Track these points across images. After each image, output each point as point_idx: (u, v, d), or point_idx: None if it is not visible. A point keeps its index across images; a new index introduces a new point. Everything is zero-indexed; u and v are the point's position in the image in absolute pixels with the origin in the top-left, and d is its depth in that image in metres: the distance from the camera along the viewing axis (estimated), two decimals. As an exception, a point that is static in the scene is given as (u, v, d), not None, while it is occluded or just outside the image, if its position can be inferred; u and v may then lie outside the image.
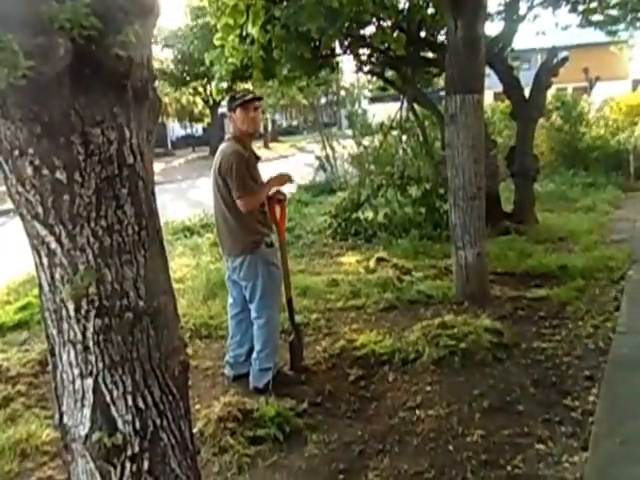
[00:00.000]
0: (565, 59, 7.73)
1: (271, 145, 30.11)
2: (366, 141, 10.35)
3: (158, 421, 1.89)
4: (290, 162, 19.22)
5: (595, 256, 6.30)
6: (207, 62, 6.77)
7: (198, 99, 29.80)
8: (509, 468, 2.98)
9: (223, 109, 29.77)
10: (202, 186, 14.33)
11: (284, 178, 4.07)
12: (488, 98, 11.17)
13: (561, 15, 8.96)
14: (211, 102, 28.48)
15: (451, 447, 3.21)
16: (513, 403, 3.59)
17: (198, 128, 35.29)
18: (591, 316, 4.79)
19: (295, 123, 32.91)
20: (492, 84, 8.19)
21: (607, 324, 4.60)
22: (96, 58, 1.67)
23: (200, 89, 28.35)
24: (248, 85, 8.16)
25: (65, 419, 1.88)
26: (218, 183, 3.82)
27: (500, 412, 3.51)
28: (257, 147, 28.34)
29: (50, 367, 1.90)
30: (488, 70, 7.57)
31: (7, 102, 1.62)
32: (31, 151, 1.66)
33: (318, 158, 12.98)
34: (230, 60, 6.27)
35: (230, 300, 4.16)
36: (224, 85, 7.19)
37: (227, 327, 4.50)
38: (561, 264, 6.01)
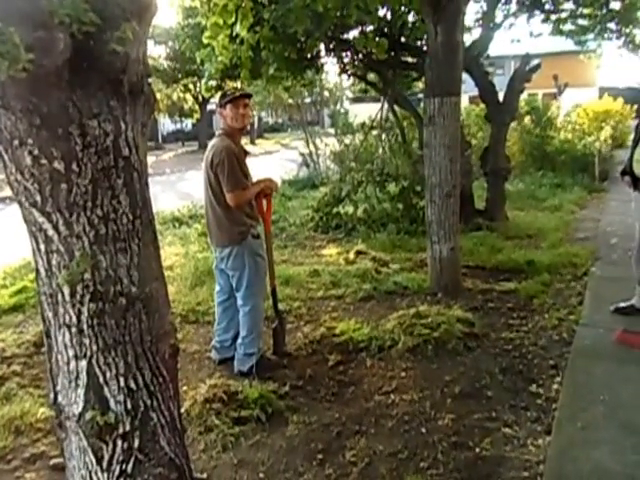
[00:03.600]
0: (538, 66, 7.78)
1: (257, 141, 30.00)
2: (347, 139, 10.37)
3: (149, 401, 1.89)
4: (275, 158, 19.18)
5: (561, 253, 6.38)
6: (198, 60, 6.71)
7: (188, 96, 29.57)
8: (477, 450, 3.02)
9: (212, 106, 29.58)
10: (191, 179, 14.24)
11: (272, 184, 4.06)
12: (463, 102, 11.23)
13: (534, 24, 9.03)
14: (200, 99, 28.29)
15: (424, 430, 3.23)
16: (482, 389, 3.64)
17: (188, 123, 35.02)
18: (556, 309, 4.85)
19: (280, 121, 32.75)
20: (467, 88, 8.21)
21: (571, 317, 4.66)
22: (94, 53, 1.66)
23: (190, 86, 28.14)
24: (237, 84, 8.11)
25: (59, 398, 1.88)
26: (209, 177, 3.80)
27: (470, 398, 3.55)
28: (244, 143, 28.16)
29: (45, 349, 1.90)
30: (464, 75, 7.62)
31: (7, 94, 1.61)
32: (30, 141, 1.65)
33: (302, 155, 12.97)
34: (220, 59, 6.23)
35: (217, 288, 4.15)
36: (213, 83, 7.14)
37: (214, 313, 4.49)
38: (529, 259, 6.07)
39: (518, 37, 9.32)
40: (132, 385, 1.85)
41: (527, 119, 12.53)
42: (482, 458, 2.96)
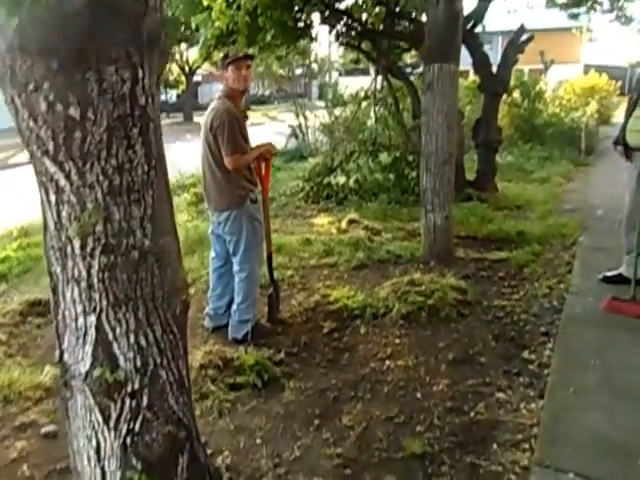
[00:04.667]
0: (531, 38, 7.69)
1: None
2: (337, 111, 10.22)
3: (158, 359, 1.85)
4: (263, 130, 18.97)
5: (550, 223, 6.41)
6: (193, 26, 6.52)
7: (174, 66, 28.93)
8: (472, 414, 3.03)
9: (198, 77, 29.04)
10: (177, 150, 14.06)
11: (272, 149, 3.99)
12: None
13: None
14: (187, 69, 27.66)
15: (419, 395, 3.24)
16: (476, 355, 3.65)
17: (172, 95, 34.32)
18: (546, 278, 4.87)
19: (267, 93, 32.27)
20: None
21: (561, 285, 4.69)
22: None
23: (177, 56, 27.48)
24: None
25: (66, 356, 1.83)
26: (208, 140, 3.71)
27: (464, 364, 3.56)
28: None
29: (52, 305, 1.84)
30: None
31: (26, 35, 1.52)
32: (46, 86, 1.57)
33: (291, 126, 12.81)
34: (216, 24, 6.05)
35: (212, 254, 4.09)
36: (206, 48, 6.94)
37: (206, 281, 4.43)
38: (519, 230, 6.09)
39: (514, 8, 9.19)
40: (142, 342, 1.81)
41: (516, 93, 12.45)
42: (477, 422, 2.97)
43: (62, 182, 1.65)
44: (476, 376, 3.39)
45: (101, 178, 1.66)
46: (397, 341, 3.85)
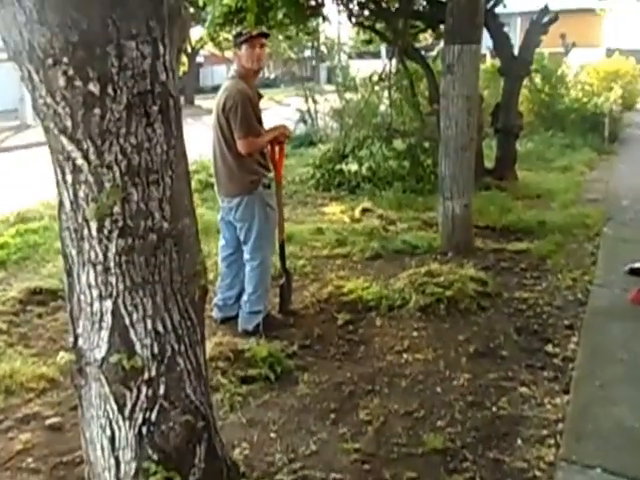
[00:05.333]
0: (555, 18, 7.62)
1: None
2: (348, 95, 10.14)
3: (176, 346, 1.85)
4: (269, 115, 18.96)
5: (572, 213, 6.40)
6: (200, 3, 6.49)
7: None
8: (494, 409, 3.05)
9: (200, 58, 28.90)
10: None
11: (286, 131, 4.00)
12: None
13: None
14: (189, 50, 27.53)
15: (439, 389, 3.25)
16: (497, 349, 3.66)
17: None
18: (569, 269, 4.87)
19: (272, 76, 32.12)
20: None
21: (585, 277, 4.69)
22: None
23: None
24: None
25: (80, 342, 1.83)
26: (220, 122, 3.69)
27: (485, 357, 3.57)
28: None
29: (66, 289, 1.84)
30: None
31: (46, 6, 1.53)
32: (65, 60, 1.57)
33: (299, 111, 12.75)
34: (225, 1, 6.03)
35: (222, 242, 4.08)
36: (213, 26, 6.91)
37: (214, 271, 4.43)
38: (540, 220, 6.08)
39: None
40: (160, 328, 1.81)
41: (536, 77, 12.35)
42: (500, 417, 2.99)
43: (79, 161, 1.65)
44: (498, 370, 3.40)
45: (120, 157, 1.65)
46: (415, 334, 3.86)
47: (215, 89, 28.53)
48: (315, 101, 12.54)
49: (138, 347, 1.79)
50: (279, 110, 14.38)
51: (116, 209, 1.68)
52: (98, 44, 1.59)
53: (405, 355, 3.60)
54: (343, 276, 4.79)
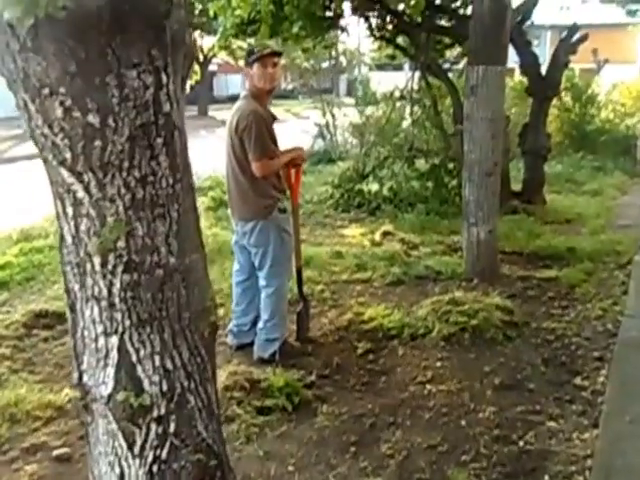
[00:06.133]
0: (584, 37, 7.69)
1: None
2: (369, 110, 10.18)
3: (186, 383, 1.86)
4: (286, 128, 19.14)
5: (602, 240, 6.33)
6: (211, 13, 6.58)
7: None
8: (521, 444, 3.04)
9: (213, 67, 29.14)
10: (191, 148, 14.16)
11: (303, 154, 4.06)
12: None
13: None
14: (201, 58, 27.82)
15: (463, 422, 3.24)
16: (524, 381, 3.64)
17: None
18: (599, 299, 4.83)
19: (290, 87, 32.37)
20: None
21: (615, 307, 4.64)
22: None
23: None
24: (252, 41, 7.99)
25: (85, 378, 1.83)
26: (233, 143, 3.72)
27: (511, 389, 3.56)
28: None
29: (69, 324, 1.84)
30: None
31: (40, 34, 1.52)
32: (63, 90, 1.57)
33: (317, 125, 12.82)
34: (237, 12, 6.11)
35: (236, 266, 4.10)
36: (225, 38, 7.01)
37: (226, 295, 4.48)
38: (569, 246, 6.03)
39: (564, 4, 9.20)
40: (168, 365, 1.81)
41: (566, 96, 12.39)
42: (526, 452, 2.98)
43: (80, 194, 1.65)
44: (525, 403, 3.40)
45: (123, 191, 1.65)
46: (438, 364, 3.85)
47: (231, 99, 28.49)
48: (333, 115, 12.61)
49: (146, 384, 1.79)
50: (297, 123, 14.48)
51: (120, 244, 1.68)
52: (97, 74, 1.58)
53: (428, 386, 3.60)
54: (363, 302, 4.79)
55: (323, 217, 7.83)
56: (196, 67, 29.50)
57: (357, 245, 6.43)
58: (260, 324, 3.98)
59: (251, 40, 6.90)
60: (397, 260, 5.69)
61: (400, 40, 8.35)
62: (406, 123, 8.84)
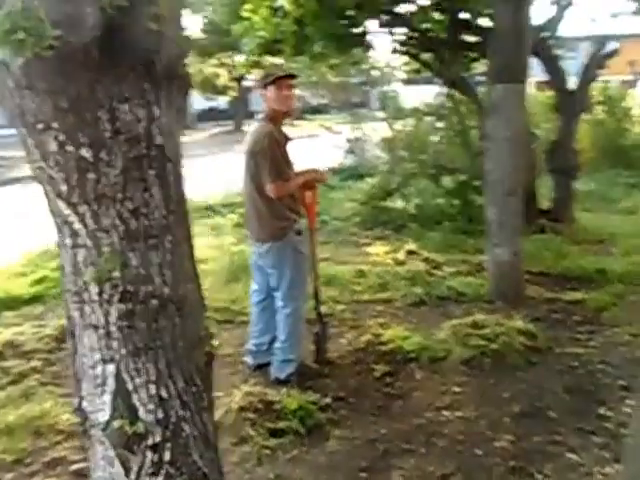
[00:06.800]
0: (614, 52, 7.57)
1: (297, 123, 29.74)
2: (399, 125, 10.16)
3: (181, 412, 1.89)
4: (318, 143, 19.22)
5: (635, 261, 6.13)
6: (235, 34, 6.67)
7: (222, 70, 29.51)
8: (539, 477, 2.96)
9: (249, 82, 29.57)
10: (225, 163, 14.27)
11: (318, 176, 4.08)
12: (529, 88, 11.03)
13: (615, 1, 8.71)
14: (237, 74, 28.20)
15: (479, 451, 3.19)
16: (544, 409, 3.57)
17: (222, 101, 35.00)
18: (628, 323, 4.70)
19: (323, 101, 32.55)
20: (533, 73, 8.06)
21: (645, 333, 4.55)
22: (126, 30, 1.62)
23: (226, 60, 28.07)
24: (278, 60, 8.09)
25: (84, 404, 1.88)
26: (249, 165, 3.78)
27: (530, 418, 3.49)
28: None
29: (70, 350, 1.90)
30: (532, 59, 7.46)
31: (32, 73, 1.58)
32: (56, 125, 1.63)
33: (349, 140, 12.86)
34: (260, 33, 6.18)
35: (254, 286, 4.13)
36: (252, 58, 7.11)
37: (250, 313, 4.54)
38: (599, 267, 5.89)
39: (594, 17, 9.06)
40: (163, 394, 1.85)
41: (599, 109, 12.18)
42: (544, 486, 2.93)
43: (77, 225, 1.71)
44: (544, 433, 3.32)
45: (117, 222, 1.71)
46: (456, 389, 3.81)
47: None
48: (363, 130, 12.61)
49: (142, 412, 1.83)
50: (329, 138, 14.53)
51: (115, 274, 1.73)
52: (88, 109, 1.62)
53: (445, 412, 3.55)
54: (383, 323, 4.76)
55: (349, 234, 7.82)
56: (233, 84, 29.93)
57: (381, 264, 6.39)
58: (277, 345, 4.01)
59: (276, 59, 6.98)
60: (419, 280, 5.66)
61: (425, 55, 8.31)
62: (434, 138, 8.80)
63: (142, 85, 1.69)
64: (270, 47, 6.72)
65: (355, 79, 16.57)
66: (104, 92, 1.64)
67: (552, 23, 7.40)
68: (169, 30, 1.72)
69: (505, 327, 4.33)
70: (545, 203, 7.86)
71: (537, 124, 10.71)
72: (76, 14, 1.53)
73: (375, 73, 18.32)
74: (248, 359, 4.22)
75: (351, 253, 6.97)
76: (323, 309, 4.43)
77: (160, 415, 1.85)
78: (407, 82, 20.45)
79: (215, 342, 2.03)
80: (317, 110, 32.30)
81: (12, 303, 5.49)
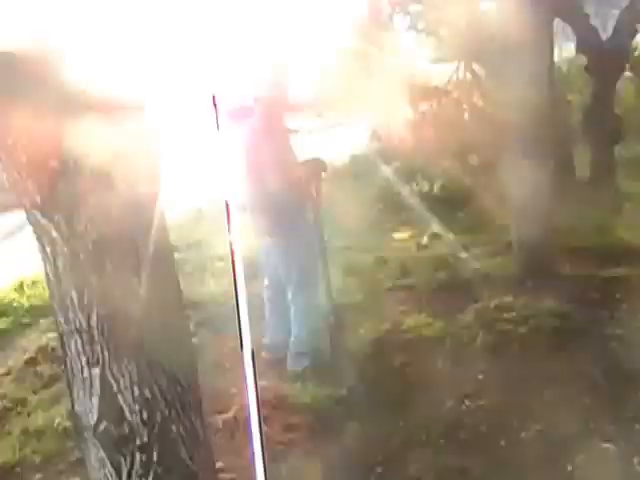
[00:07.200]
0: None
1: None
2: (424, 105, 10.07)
3: (166, 411, 1.98)
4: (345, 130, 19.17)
5: (686, 234, 6.03)
6: None
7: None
8: (569, 468, 2.95)
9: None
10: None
11: (319, 165, 4.12)
12: (570, 51, 10.79)
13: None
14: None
15: (503, 442, 3.20)
16: (577, 396, 3.50)
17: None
18: (676, 302, 4.60)
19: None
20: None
21: (696, 313, 4.41)
22: None
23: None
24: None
25: (77, 407, 2.00)
26: (251, 157, 3.88)
27: (561, 405, 3.43)
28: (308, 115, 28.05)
29: (61, 354, 2.03)
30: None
31: None
32: (24, 139, 1.73)
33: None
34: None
35: (266, 281, 4.26)
36: None
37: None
38: (644, 240, 5.78)
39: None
40: (147, 394, 1.94)
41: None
42: (575, 479, 2.87)
43: (54, 233, 1.82)
44: (577, 421, 3.25)
45: (89, 227, 1.81)
46: (480, 377, 3.81)
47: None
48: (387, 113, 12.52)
49: (127, 413, 1.94)
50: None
51: (93, 278, 1.84)
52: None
53: (467, 402, 3.57)
54: (404, 311, 4.79)
55: (372, 221, 7.78)
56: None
57: (404, 249, 6.42)
58: (292, 338, 4.13)
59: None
60: (443, 264, 5.64)
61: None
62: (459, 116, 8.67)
63: None
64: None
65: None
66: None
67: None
68: None
69: (534, 309, 4.29)
70: (584, 173, 7.67)
71: (580, 89, 10.46)
72: None
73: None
74: (264, 353, 4.30)
75: (374, 240, 6.96)
76: (342, 299, 4.42)
77: (145, 416, 1.96)
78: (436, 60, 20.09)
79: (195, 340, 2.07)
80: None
81: (48, 311, 5.69)
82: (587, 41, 7.20)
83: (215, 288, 5.50)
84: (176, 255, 6.96)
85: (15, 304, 5.75)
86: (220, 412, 3.57)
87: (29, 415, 3.90)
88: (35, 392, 4.18)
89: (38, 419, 3.77)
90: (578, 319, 4.32)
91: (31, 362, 4.55)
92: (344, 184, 10.45)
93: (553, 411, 3.40)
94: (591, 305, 4.64)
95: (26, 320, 5.57)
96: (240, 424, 3.38)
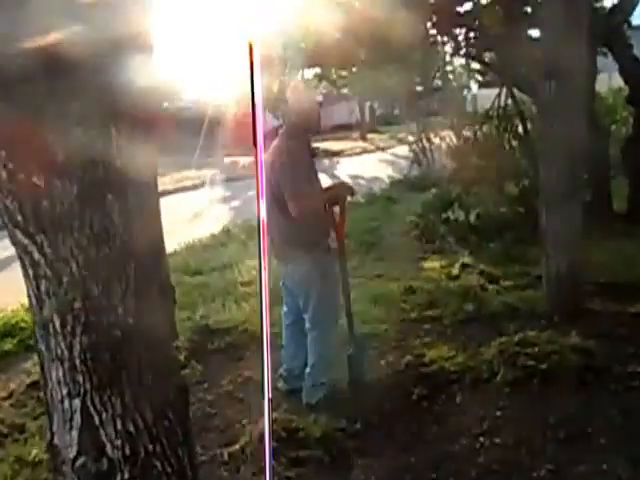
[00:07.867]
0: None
1: (369, 136, 29.73)
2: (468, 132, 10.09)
3: (150, 447, 1.90)
4: (385, 155, 19.22)
5: None
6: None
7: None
8: (579, 509, 2.88)
9: (320, 97, 30.03)
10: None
11: (344, 190, 4.11)
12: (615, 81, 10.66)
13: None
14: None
15: (513, 481, 3.13)
16: (594, 434, 3.42)
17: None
18: None
19: (396, 112, 32.45)
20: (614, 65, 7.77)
21: None
22: None
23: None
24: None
25: (56, 439, 1.92)
26: (272, 182, 3.80)
27: (577, 444, 3.35)
28: (353, 139, 28.16)
29: (42, 383, 1.95)
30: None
31: None
32: (3, 153, 1.66)
33: (412, 150, 12.84)
34: (301, 45, 6.28)
35: (284, 308, 4.21)
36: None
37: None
38: (678, 277, 5.62)
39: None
40: (131, 428, 1.87)
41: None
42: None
43: (36, 255, 1.74)
44: (591, 461, 3.18)
45: (76, 251, 1.73)
46: (497, 413, 3.72)
47: (334, 128, 28.82)
48: (429, 139, 12.57)
49: (109, 448, 1.86)
50: (399, 149, 14.48)
51: (77, 304, 1.76)
52: (37, 134, 1.64)
53: (482, 438, 3.48)
54: (428, 343, 4.72)
55: (405, 249, 7.78)
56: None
57: (433, 279, 6.35)
58: (307, 368, 4.06)
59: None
60: (472, 295, 5.57)
61: (488, 55, 8.21)
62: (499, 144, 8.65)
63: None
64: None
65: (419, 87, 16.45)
66: (54, 114, 1.65)
67: (624, 6, 7.11)
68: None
69: (558, 344, 4.18)
70: (622, 206, 7.53)
71: (616, 120, 10.32)
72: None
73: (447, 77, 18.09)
74: (280, 384, 4.25)
75: (405, 269, 6.93)
76: (366, 329, 4.42)
77: (128, 451, 1.87)
78: (483, 85, 20.07)
79: (186, 372, 2.03)
80: (389, 122, 32.14)
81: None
82: (630, 72, 7.11)
83: (237, 314, 5.52)
84: (198, 278, 7.06)
85: (23, 324, 5.58)
86: (227, 444, 3.55)
87: (26, 442, 3.80)
88: (35, 418, 4.08)
89: (35, 448, 3.65)
90: (601, 355, 4.21)
91: (33, 386, 4.38)
92: (380, 209, 10.53)
93: (568, 450, 3.32)
94: (616, 341, 4.53)
95: (32, 342, 5.60)
96: (247, 457, 3.37)
